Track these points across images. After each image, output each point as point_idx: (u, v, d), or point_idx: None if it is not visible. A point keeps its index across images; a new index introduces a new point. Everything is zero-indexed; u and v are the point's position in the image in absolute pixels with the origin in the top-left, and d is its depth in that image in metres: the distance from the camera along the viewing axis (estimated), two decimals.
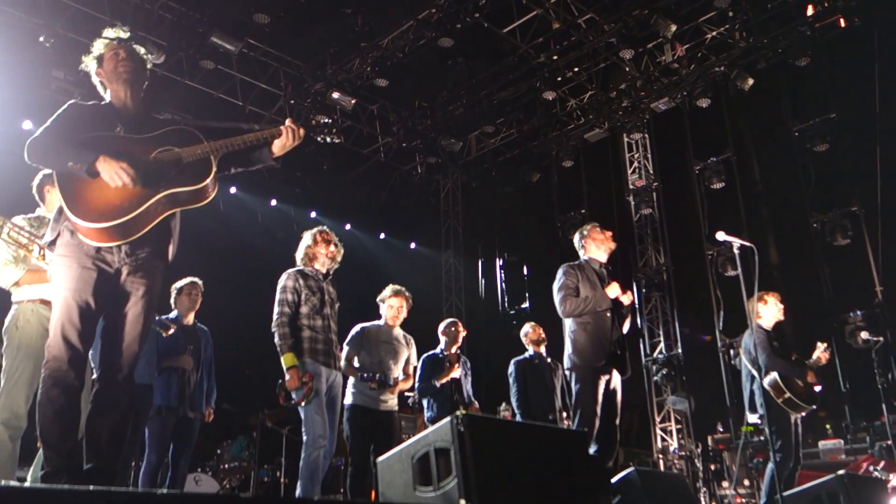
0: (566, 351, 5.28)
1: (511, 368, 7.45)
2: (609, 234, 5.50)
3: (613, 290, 5.18)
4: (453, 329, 7.09)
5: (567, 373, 5.30)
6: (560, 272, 5.37)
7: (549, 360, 7.53)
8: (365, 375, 5.57)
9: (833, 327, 9.38)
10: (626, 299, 5.21)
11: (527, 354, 7.53)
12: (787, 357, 6.22)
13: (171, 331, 5.56)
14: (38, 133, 3.05)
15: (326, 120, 3.70)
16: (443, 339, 7.08)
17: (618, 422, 5.29)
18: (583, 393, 5.09)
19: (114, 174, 2.92)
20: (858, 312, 9.29)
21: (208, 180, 3.12)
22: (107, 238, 2.99)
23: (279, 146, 3.36)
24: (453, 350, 6.99)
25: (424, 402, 6.99)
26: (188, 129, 3.28)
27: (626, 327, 5.47)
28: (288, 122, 3.37)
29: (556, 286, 5.35)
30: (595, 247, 5.44)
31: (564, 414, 7.41)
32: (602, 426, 5.12)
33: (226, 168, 3.32)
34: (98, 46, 3.31)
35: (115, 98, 3.29)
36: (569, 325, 5.27)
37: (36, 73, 9.62)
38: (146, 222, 3.04)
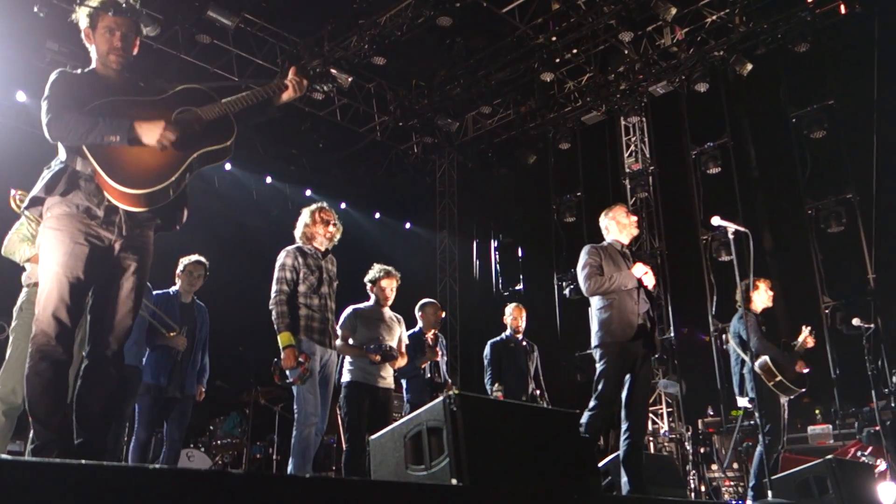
0: (593, 329, 5.17)
1: (486, 350, 7.39)
2: (634, 219, 5.42)
3: (639, 269, 5.09)
4: (431, 311, 6.87)
5: (593, 351, 5.16)
6: (583, 252, 5.31)
7: (524, 342, 7.48)
8: (371, 347, 5.55)
9: (825, 314, 9.43)
10: (649, 280, 5.08)
11: (503, 335, 7.46)
12: (775, 341, 6.25)
13: (174, 335, 5.70)
14: (51, 112, 2.93)
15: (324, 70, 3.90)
16: (421, 321, 6.86)
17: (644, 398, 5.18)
18: (606, 369, 4.95)
19: (159, 137, 2.95)
20: (850, 299, 9.32)
21: (234, 137, 3.22)
22: (143, 203, 2.98)
23: (284, 98, 3.49)
24: (431, 333, 6.67)
25: (403, 384, 6.78)
26: (199, 89, 3.29)
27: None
28: (291, 74, 3.49)
29: (579, 266, 5.30)
30: (618, 230, 5.36)
31: (538, 393, 7.41)
32: (632, 406, 4.99)
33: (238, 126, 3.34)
34: (95, 5, 3.14)
35: (99, 68, 3.21)
36: (595, 303, 5.18)
37: (30, 45, 9.51)
38: (180, 184, 3.08)
